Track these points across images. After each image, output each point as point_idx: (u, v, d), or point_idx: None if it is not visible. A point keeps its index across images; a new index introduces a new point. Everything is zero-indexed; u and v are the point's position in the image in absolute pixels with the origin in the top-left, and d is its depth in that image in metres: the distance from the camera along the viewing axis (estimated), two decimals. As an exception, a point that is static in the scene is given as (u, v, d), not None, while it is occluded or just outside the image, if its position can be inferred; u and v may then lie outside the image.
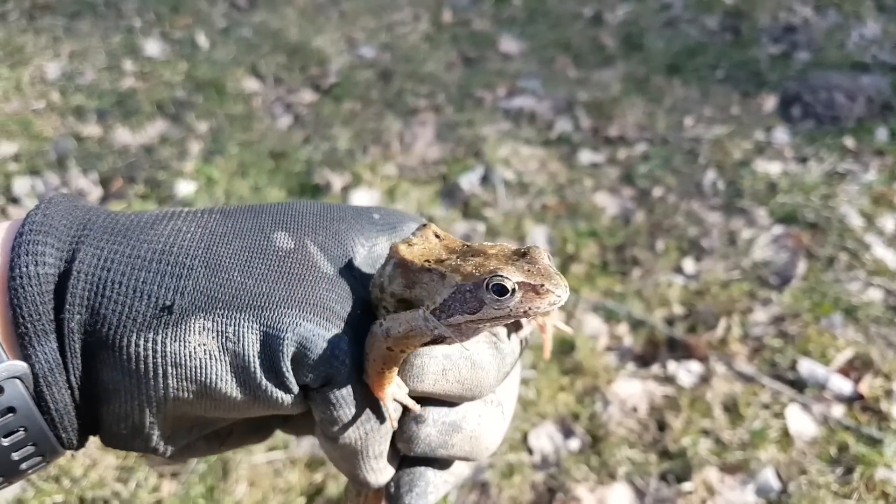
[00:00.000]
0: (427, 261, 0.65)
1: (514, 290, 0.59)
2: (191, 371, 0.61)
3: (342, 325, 0.64)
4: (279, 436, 2.26)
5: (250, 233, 0.67)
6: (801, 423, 2.35)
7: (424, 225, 0.71)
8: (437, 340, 0.64)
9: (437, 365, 0.67)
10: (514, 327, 0.74)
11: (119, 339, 0.60)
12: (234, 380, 0.61)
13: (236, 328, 0.60)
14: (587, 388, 2.51)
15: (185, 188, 3.36)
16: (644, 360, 2.59)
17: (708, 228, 3.12)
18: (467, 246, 0.67)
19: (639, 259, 2.98)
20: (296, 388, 0.63)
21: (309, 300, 0.63)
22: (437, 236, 0.70)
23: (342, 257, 0.69)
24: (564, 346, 2.65)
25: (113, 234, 0.63)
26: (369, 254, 0.72)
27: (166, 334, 0.60)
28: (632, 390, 2.49)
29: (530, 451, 2.34)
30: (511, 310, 0.60)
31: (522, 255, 0.63)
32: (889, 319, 2.69)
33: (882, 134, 3.75)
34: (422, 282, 0.64)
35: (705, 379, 2.48)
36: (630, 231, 3.14)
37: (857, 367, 2.51)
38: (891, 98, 4.03)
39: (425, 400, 0.69)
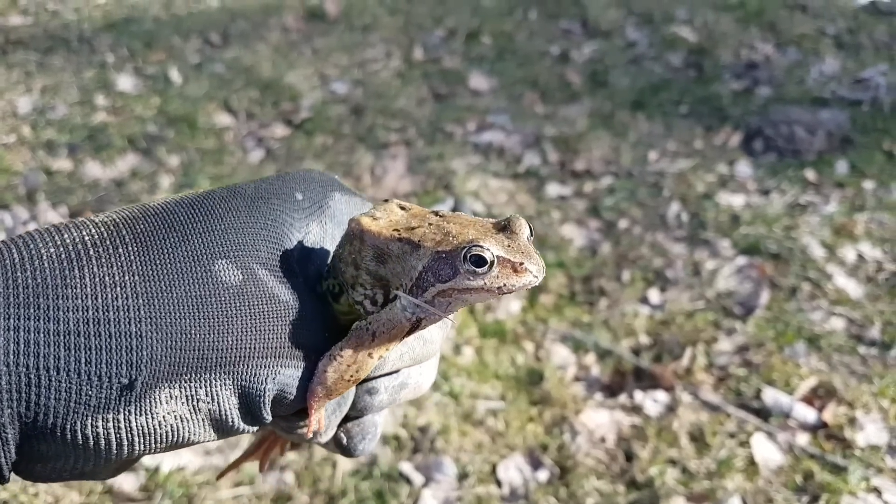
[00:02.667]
0: (396, 230, 0.61)
1: (492, 264, 0.58)
2: (161, 437, 0.57)
3: (316, 356, 0.62)
4: (245, 470, 2.24)
5: (187, 269, 0.57)
6: (767, 451, 2.38)
7: (386, 200, 0.68)
8: (414, 328, 0.62)
9: (395, 352, 0.67)
10: None
11: (70, 425, 0.53)
12: (208, 430, 0.59)
13: (208, 389, 0.57)
14: (556, 418, 2.51)
15: (154, 222, 3.34)
16: (611, 390, 2.61)
17: (672, 259, 3.18)
18: (438, 214, 0.64)
19: (605, 290, 3.02)
20: (269, 419, 0.62)
21: (281, 344, 0.60)
22: (403, 208, 0.67)
23: (287, 264, 0.63)
24: (533, 377, 2.66)
25: (22, 303, 0.51)
26: (305, 243, 0.66)
27: (129, 411, 0.54)
28: (600, 420, 2.51)
29: (499, 484, 2.33)
30: (485, 284, 0.58)
31: (503, 227, 0.61)
32: (851, 348, 2.74)
33: (842, 167, 3.86)
34: (393, 254, 0.61)
35: (671, 408, 2.51)
36: (597, 262, 3.18)
37: (820, 396, 2.55)
38: (850, 132, 4.15)
39: None
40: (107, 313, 0.53)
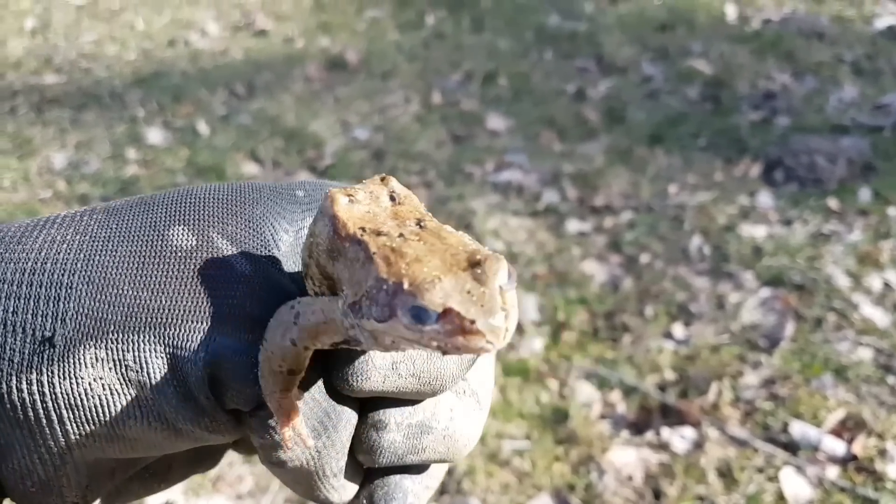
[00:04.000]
0: (362, 228, 0.48)
1: (436, 318, 0.43)
2: (91, 412, 0.50)
3: (261, 332, 0.52)
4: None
5: (140, 232, 0.54)
6: (796, 486, 2.35)
7: (383, 177, 0.55)
8: (349, 343, 0.50)
9: (384, 358, 0.54)
10: None
11: None
12: (146, 415, 0.51)
13: (136, 354, 0.50)
14: (582, 457, 2.52)
15: (183, 271, 3.44)
16: (638, 428, 2.61)
17: (696, 293, 3.18)
18: (423, 222, 0.51)
19: (629, 325, 3.03)
20: (223, 416, 0.53)
21: (221, 311, 0.51)
22: (393, 198, 0.53)
23: (261, 249, 0.56)
24: (558, 415, 2.67)
25: None
26: (296, 241, 0.58)
27: (52, 372, 0.49)
28: (627, 458, 2.50)
29: (527, 524, 2.34)
30: (422, 337, 0.44)
31: (476, 262, 0.45)
32: (879, 378, 2.71)
33: (865, 194, 3.85)
34: (346, 255, 0.48)
35: (699, 444, 2.50)
36: (619, 298, 3.19)
37: (849, 428, 2.53)
38: (871, 159, 4.14)
39: (382, 400, 0.57)
40: (44, 265, 0.50)
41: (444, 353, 0.44)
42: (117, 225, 0.53)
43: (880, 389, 2.66)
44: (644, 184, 4.05)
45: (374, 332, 0.46)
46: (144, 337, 0.50)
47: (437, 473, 0.64)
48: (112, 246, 0.52)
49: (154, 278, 0.51)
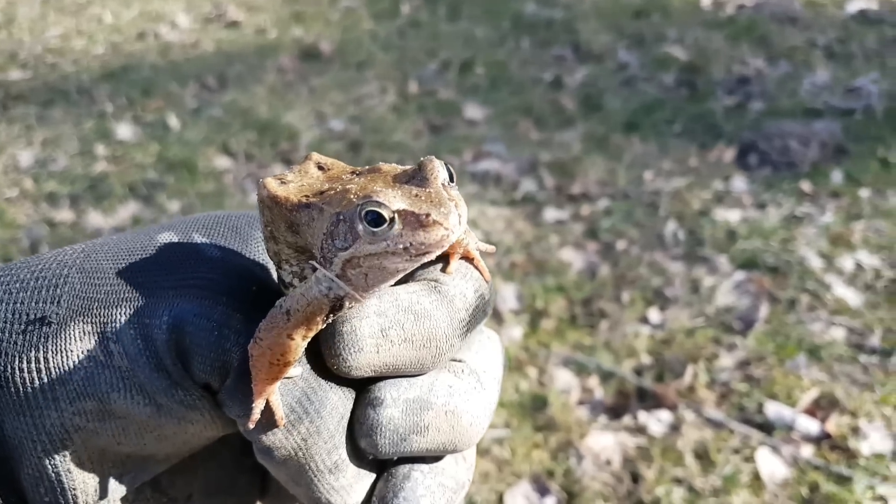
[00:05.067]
0: (306, 196, 0.54)
1: (392, 220, 0.49)
2: (80, 385, 0.54)
3: (230, 300, 0.55)
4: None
5: (134, 238, 0.61)
6: (772, 465, 2.37)
7: (307, 155, 0.60)
8: (336, 307, 0.53)
9: (371, 326, 0.55)
10: (443, 262, 0.62)
11: (5, 371, 0.54)
12: (128, 388, 0.55)
13: (114, 325, 0.54)
14: (561, 443, 2.52)
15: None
16: (615, 412, 2.62)
17: (671, 278, 3.19)
18: (358, 171, 0.56)
19: (606, 311, 3.04)
20: (195, 390, 0.55)
21: (187, 281, 0.56)
22: (321, 167, 0.58)
23: (241, 248, 0.62)
24: (537, 403, 2.67)
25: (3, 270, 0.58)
26: None
27: (47, 349, 0.54)
28: (605, 443, 2.51)
29: (506, 511, 2.34)
30: (388, 245, 0.49)
31: (413, 174, 0.52)
32: (852, 357, 2.74)
33: (837, 176, 3.88)
34: (302, 223, 0.53)
35: (675, 427, 2.51)
36: (596, 284, 3.20)
37: (823, 407, 2.55)
38: (844, 141, 4.18)
39: (375, 380, 0.58)
40: (50, 265, 0.58)
41: (413, 255, 0.49)
42: (117, 238, 0.61)
43: (853, 368, 2.69)
44: (620, 171, 4.06)
45: (345, 267, 0.50)
46: (121, 310, 0.55)
47: (451, 471, 0.62)
48: (108, 248, 0.59)
49: (136, 265, 0.57)
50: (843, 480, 2.29)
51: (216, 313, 0.54)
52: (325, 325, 0.53)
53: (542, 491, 2.38)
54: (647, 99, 4.79)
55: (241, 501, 0.70)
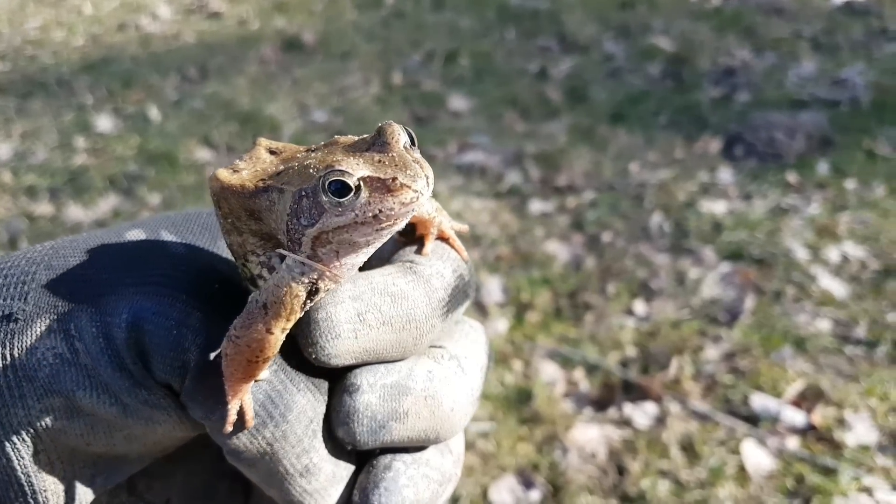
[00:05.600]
0: (261, 179, 0.51)
1: (358, 188, 0.46)
2: (46, 381, 0.53)
3: (190, 298, 0.54)
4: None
5: (104, 234, 0.59)
6: (757, 457, 2.36)
7: (255, 141, 0.58)
8: (313, 292, 0.51)
9: (347, 311, 0.53)
10: (416, 244, 0.60)
11: None
12: (94, 386, 0.53)
13: (77, 322, 0.53)
14: (546, 436, 2.50)
15: (137, 261, 3.35)
16: (601, 405, 2.60)
17: (656, 270, 3.17)
18: (313, 147, 0.54)
19: (591, 304, 3.01)
20: (158, 390, 0.54)
21: (147, 279, 0.54)
22: (273, 152, 0.56)
23: (208, 244, 0.61)
24: (522, 396, 2.65)
25: None
26: None
27: (13, 345, 0.53)
28: (590, 436, 2.49)
29: (491, 506, 2.31)
30: (357, 216, 0.47)
31: (373, 141, 0.50)
32: (837, 349, 2.73)
33: (823, 168, 3.87)
34: (263, 208, 0.51)
35: (661, 420, 2.49)
36: (581, 277, 3.18)
37: (808, 398, 2.54)
38: (829, 133, 4.17)
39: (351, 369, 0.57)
40: (19, 263, 0.57)
41: (383, 222, 0.48)
42: (87, 235, 0.60)
43: (838, 359, 2.68)
44: (606, 163, 4.03)
45: (314, 245, 0.48)
46: (84, 307, 0.53)
47: (436, 463, 0.60)
48: (76, 245, 0.58)
49: (102, 262, 0.56)
50: (829, 472, 2.28)
51: (175, 311, 0.53)
52: (302, 314, 0.52)
53: (528, 484, 2.36)
54: (633, 90, 4.77)
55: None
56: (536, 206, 3.72)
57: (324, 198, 0.47)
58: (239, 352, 0.50)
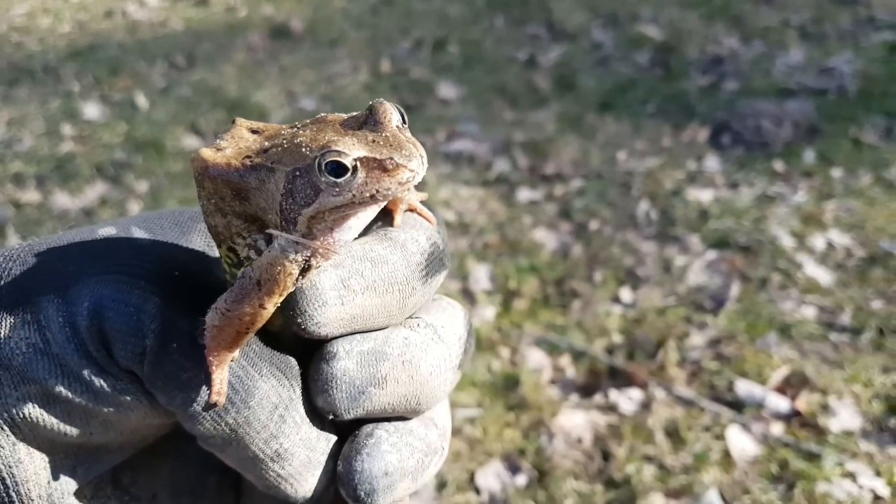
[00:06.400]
0: (248, 157, 0.51)
1: (354, 169, 0.47)
2: (21, 369, 0.54)
3: (149, 285, 0.55)
4: None
5: (78, 232, 0.61)
6: (742, 443, 2.38)
7: (233, 121, 0.57)
8: (305, 269, 0.51)
9: (331, 278, 0.54)
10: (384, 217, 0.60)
11: None
12: (65, 374, 0.55)
13: (46, 313, 0.54)
14: (532, 422, 2.51)
15: (123, 249, 3.34)
16: (586, 391, 2.61)
17: (643, 258, 3.19)
18: (298, 125, 0.53)
19: (578, 291, 3.03)
20: (124, 377, 0.55)
21: (109, 268, 0.56)
22: (255, 131, 0.55)
23: (177, 238, 0.62)
24: (509, 382, 2.66)
25: None
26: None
27: None
28: (576, 421, 2.50)
29: (478, 492, 2.33)
30: (354, 195, 0.48)
31: (365, 119, 0.50)
32: (822, 335, 2.75)
33: (809, 156, 3.89)
34: (251, 187, 0.51)
35: (646, 405, 2.51)
36: (569, 264, 3.19)
37: (793, 385, 2.56)
38: (816, 121, 4.19)
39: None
40: None
41: (378, 201, 0.48)
42: (62, 234, 0.61)
43: (823, 346, 2.71)
44: (594, 151, 4.04)
45: (310, 224, 0.48)
46: (52, 298, 0.55)
47: (420, 433, 0.61)
48: (50, 242, 0.59)
49: (71, 256, 0.57)
50: (813, 457, 2.30)
51: (133, 297, 0.54)
52: (293, 288, 0.52)
53: (514, 469, 2.38)
54: (621, 79, 4.77)
55: (206, 501, 0.68)
56: (524, 194, 3.72)
57: (320, 178, 0.47)
58: (229, 324, 0.50)
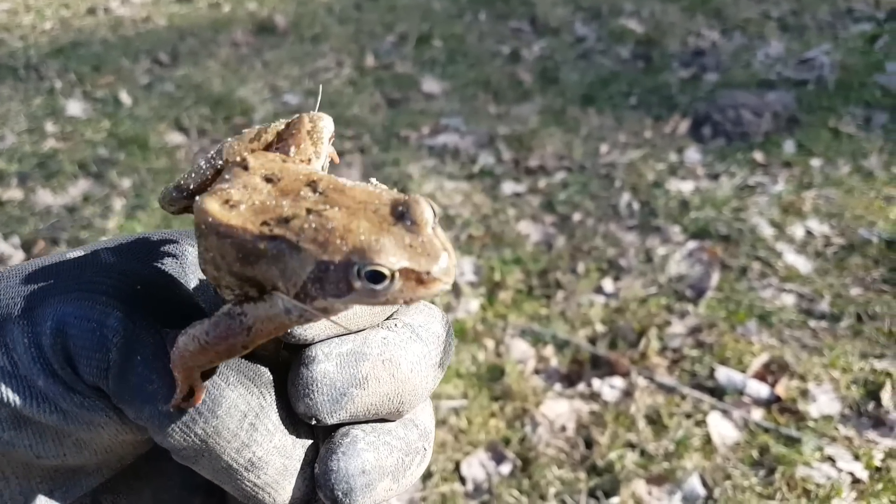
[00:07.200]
0: (266, 224, 0.47)
1: (392, 276, 0.46)
2: None
3: (110, 300, 0.54)
4: None
5: (50, 258, 0.60)
6: (723, 429, 2.42)
7: (245, 167, 0.52)
8: (301, 323, 0.50)
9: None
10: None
11: None
12: (34, 396, 0.54)
13: (11, 336, 0.54)
14: (517, 412, 2.54)
15: (108, 245, 3.33)
16: (570, 380, 2.64)
17: (625, 248, 3.22)
18: (315, 185, 0.50)
19: (561, 282, 3.05)
20: (91, 393, 0.54)
21: (72, 287, 0.56)
22: (269, 179, 0.51)
23: (142, 256, 0.61)
24: (494, 373, 2.68)
25: None
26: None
27: None
28: (559, 410, 2.54)
29: (463, 481, 2.35)
30: (388, 299, 0.46)
31: (400, 214, 0.47)
32: (802, 322, 2.80)
33: (789, 146, 3.94)
34: (267, 255, 0.47)
35: (628, 393, 2.54)
36: (552, 256, 3.22)
37: (773, 371, 2.60)
38: (796, 112, 4.24)
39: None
40: None
41: (408, 304, 0.47)
42: (36, 260, 0.60)
43: (802, 333, 2.75)
44: (577, 144, 4.07)
45: (328, 308, 0.47)
46: (18, 320, 0.54)
47: (400, 433, 0.60)
48: (22, 269, 0.58)
49: (39, 279, 0.57)
50: (793, 442, 2.34)
51: (95, 313, 0.53)
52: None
53: (498, 458, 2.41)
54: (604, 72, 4.80)
55: None
56: (508, 187, 3.75)
57: (357, 282, 0.45)
58: (204, 353, 0.49)
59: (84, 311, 0.53)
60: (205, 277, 0.58)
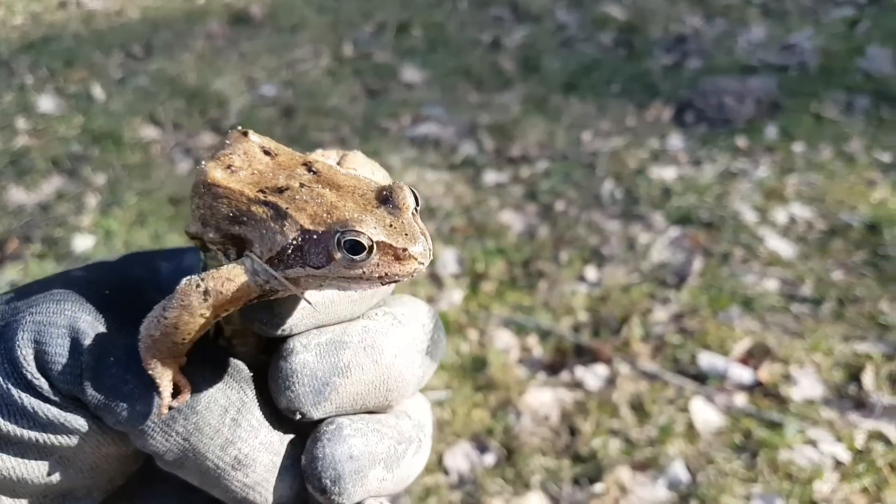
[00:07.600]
0: (262, 191, 0.51)
1: (370, 249, 0.48)
2: None
3: (77, 306, 0.54)
4: None
5: (31, 283, 0.61)
6: (706, 414, 2.40)
7: (245, 133, 0.57)
8: (266, 295, 0.52)
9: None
10: None
11: None
12: (11, 412, 0.54)
13: None
14: (500, 401, 2.51)
15: (82, 243, 3.27)
16: (553, 369, 2.62)
17: (608, 236, 3.20)
18: (310, 166, 0.54)
19: (544, 272, 3.03)
20: (68, 403, 0.54)
21: (40, 299, 0.55)
22: (267, 152, 0.56)
23: (109, 268, 0.62)
24: (478, 364, 2.66)
25: None
26: (177, 267, 0.63)
27: None
28: (543, 399, 2.51)
29: (446, 472, 2.33)
30: (363, 273, 0.49)
31: (384, 198, 0.51)
32: (784, 307, 2.79)
33: (772, 132, 3.93)
34: (254, 217, 0.51)
35: (611, 381, 2.52)
36: (535, 246, 3.19)
37: (755, 356, 2.59)
38: (778, 97, 4.23)
39: (280, 341, 0.57)
40: None
41: (384, 282, 0.50)
42: (20, 286, 0.60)
43: (784, 317, 2.74)
44: (559, 132, 4.04)
45: (299, 280, 0.49)
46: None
47: (391, 422, 0.59)
48: (33, 287, 0.59)
49: (8, 297, 0.57)
50: (775, 426, 2.33)
51: (63, 319, 0.54)
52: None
53: (482, 449, 2.38)
54: (586, 59, 4.77)
55: None
56: (491, 176, 3.71)
57: (337, 252, 0.48)
58: (165, 332, 0.50)
59: (52, 317, 0.53)
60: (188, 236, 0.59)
